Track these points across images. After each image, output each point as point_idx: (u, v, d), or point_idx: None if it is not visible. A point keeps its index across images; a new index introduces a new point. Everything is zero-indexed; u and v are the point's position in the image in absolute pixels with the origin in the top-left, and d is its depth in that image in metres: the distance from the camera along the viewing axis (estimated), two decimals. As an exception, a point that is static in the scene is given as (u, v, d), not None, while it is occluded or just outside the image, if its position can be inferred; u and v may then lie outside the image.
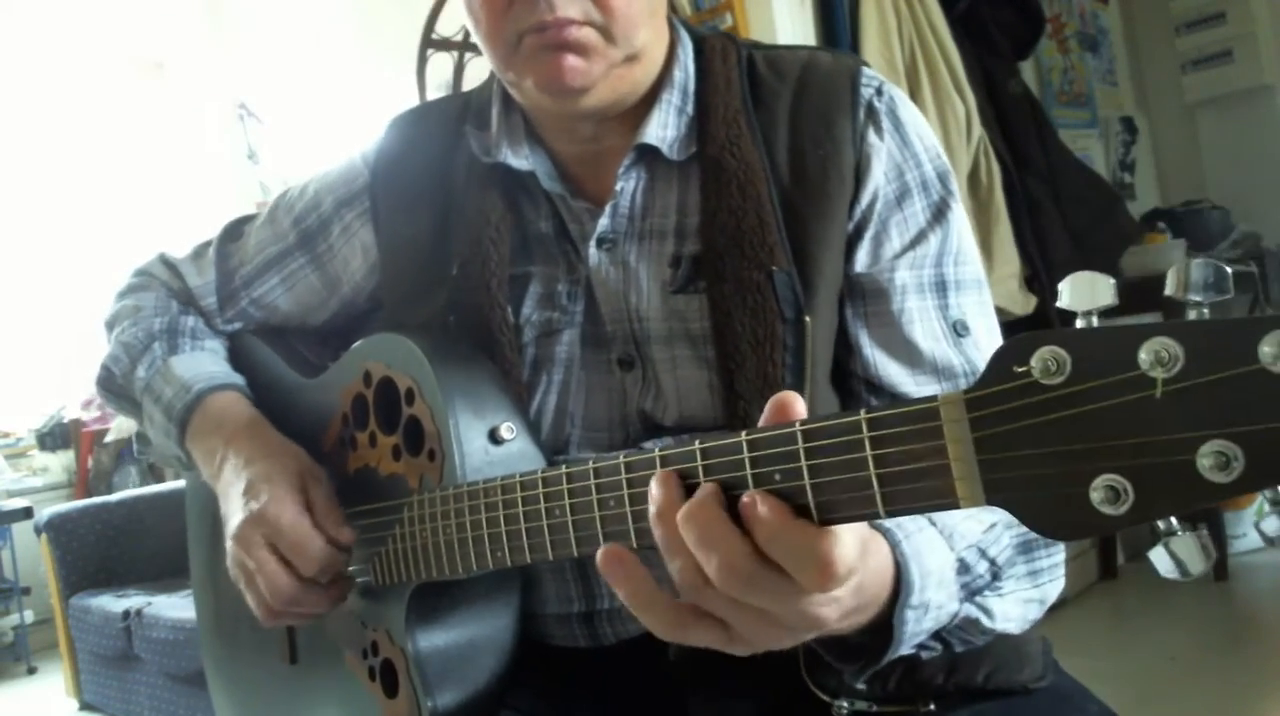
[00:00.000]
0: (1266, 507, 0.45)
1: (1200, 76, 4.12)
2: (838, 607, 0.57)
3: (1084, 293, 0.47)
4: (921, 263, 0.85)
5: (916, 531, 0.68)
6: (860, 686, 0.77)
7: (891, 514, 0.51)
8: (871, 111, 0.87)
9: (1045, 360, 0.45)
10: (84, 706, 3.51)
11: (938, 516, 0.71)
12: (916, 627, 0.66)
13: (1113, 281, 0.47)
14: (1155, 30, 4.24)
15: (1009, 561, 0.75)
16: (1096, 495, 0.44)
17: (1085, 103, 3.83)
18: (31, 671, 4.24)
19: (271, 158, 4.83)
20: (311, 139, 4.47)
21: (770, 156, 0.86)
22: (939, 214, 0.86)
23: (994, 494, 0.48)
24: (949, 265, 0.85)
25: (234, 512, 0.89)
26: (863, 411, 0.52)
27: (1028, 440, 0.46)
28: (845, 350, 0.85)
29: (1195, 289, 0.44)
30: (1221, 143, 4.12)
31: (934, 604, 0.67)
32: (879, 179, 0.85)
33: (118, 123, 5.12)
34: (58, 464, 4.91)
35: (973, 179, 2.72)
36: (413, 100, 3.10)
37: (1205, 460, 0.42)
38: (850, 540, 0.54)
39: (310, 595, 0.87)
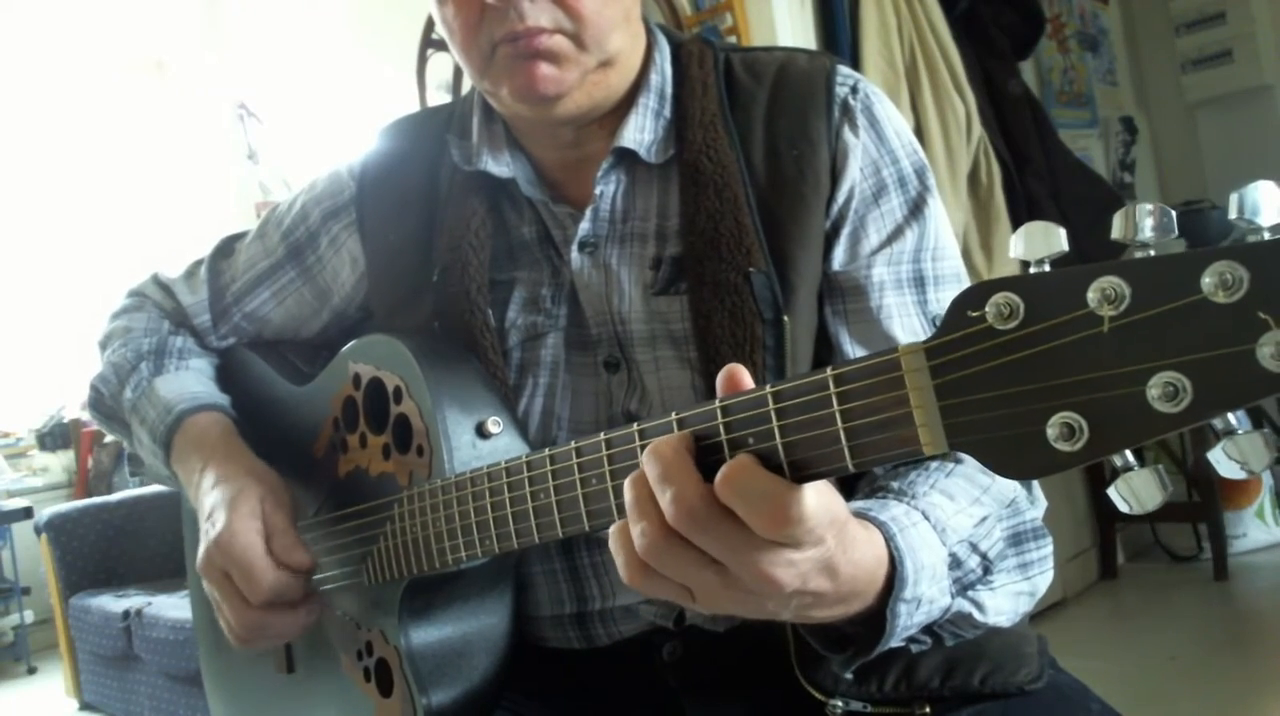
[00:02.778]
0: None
1: (1200, 76, 4.12)
2: (795, 573, 0.56)
3: (1037, 241, 0.48)
4: (899, 258, 0.85)
5: (910, 525, 0.68)
6: (848, 677, 0.78)
7: (860, 466, 0.53)
8: (846, 109, 0.88)
9: (999, 305, 0.47)
10: (84, 706, 3.52)
11: (933, 509, 0.71)
12: (908, 621, 0.67)
13: (1064, 230, 0.48)
14: (1155, 30, 4.24)
15: (1000, 555, 0.75)
16: (1052, 432, 0.45)
17: (1085, 103, 3.83)
18: (31, 671, 4.25)
19: (271, 158, 4.83)
20: (311, 139, 4.47)
21: (747, 159, 0.86)
22: (916, 209, 0.87)
23: (955, 438, 0.49)
24: (926, 261, 0.86)
25: (200, 540, 0.90)
26: (829, 369, 0.53)
27: (985, 384, 0.47)
28: (826, 349, 0.85)
29: (1143, 231, 0.45)
30: (1221, 143, 4.11)
31: (926, 598, 0.67)
32: (855, 176, 0.86)
33: (118, 123, 5.13)
34: (58, 464, 4.91)
35: (973, 179, 2.72)
36: (413, 100, 3.10)
37: (1154, 391, 0.42)
38: (811, 496, 0.54)
39: (275, 620, 0.88)
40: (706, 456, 0.57)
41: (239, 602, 0.87)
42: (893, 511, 0.68)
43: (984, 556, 0.74)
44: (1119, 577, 3.45)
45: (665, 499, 0.55)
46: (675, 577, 0.57)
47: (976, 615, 0.73)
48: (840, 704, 0.78)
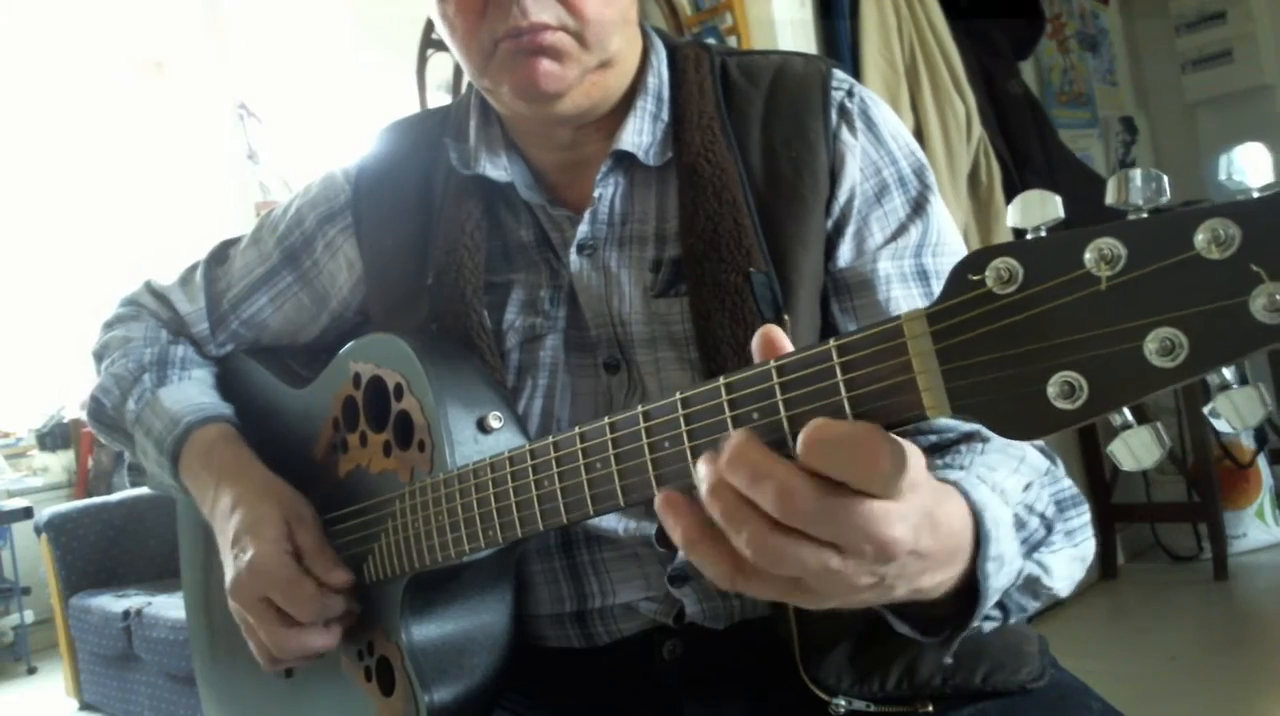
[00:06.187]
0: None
1: (1200, 76, 4.12)
2: (910, 527, 0.53)
3: (1034, 209, 0.49)
4: (902, 253, 0.86)
5: (976, 484, 0.66)
6: (851, 676, 0.77)
7: None
8: (844, 112, 0.89)
9: (998, 270, 0.47)
10: (84, 706, 3.52)
11: (986, 475, 0.69)
12: (996, 582, 0.64)
13: (1060, 198, 0.49)
14: (1155, 30, 4.24)
15: (1055, 516, 0.74)
16: (1053, 390, 0.46)
17: (1085, 103, 3.83)
18: (31, 671, 4.24)
19: (271, 158, 4.83)
20: (311, 139, 4.47)
21: (745, 160, 0.87)
22: (918, 207, 0.88)
23: (958, 401, 0.49)
24: (928, 256, 0.87)
25: (227, 567, 0.90)
26: (832, 340, 0.53)
27: (986, 347, 0.48)
28: None
29: (1135, 194, 0.46)
30: (1221, 143, 4.10)
31: (1008, 556, 0.65)
32: (855, 176, 0.87)
33: (118, 123, 5.13)
34: (58, 464, 4.91)
35: (973, 179, 2.72)
36: (413, 100, 3.11)
37: (1152, 346, 0.44)
38: (896, 436, 0.51)
39: (313, 637, 0.87)
40: (711, 434, 0.57)
41: (278, 625, 0.86)
42: (955, 475, 0.67)
43: (1042, 516, 0.73)
44: (1119, 577, 3.45)
45: (769, 497, 0.51)
46: (790, 572, 0.53)
47: (1044, 578, 0.71)
48: (843, 702, 0.78)
